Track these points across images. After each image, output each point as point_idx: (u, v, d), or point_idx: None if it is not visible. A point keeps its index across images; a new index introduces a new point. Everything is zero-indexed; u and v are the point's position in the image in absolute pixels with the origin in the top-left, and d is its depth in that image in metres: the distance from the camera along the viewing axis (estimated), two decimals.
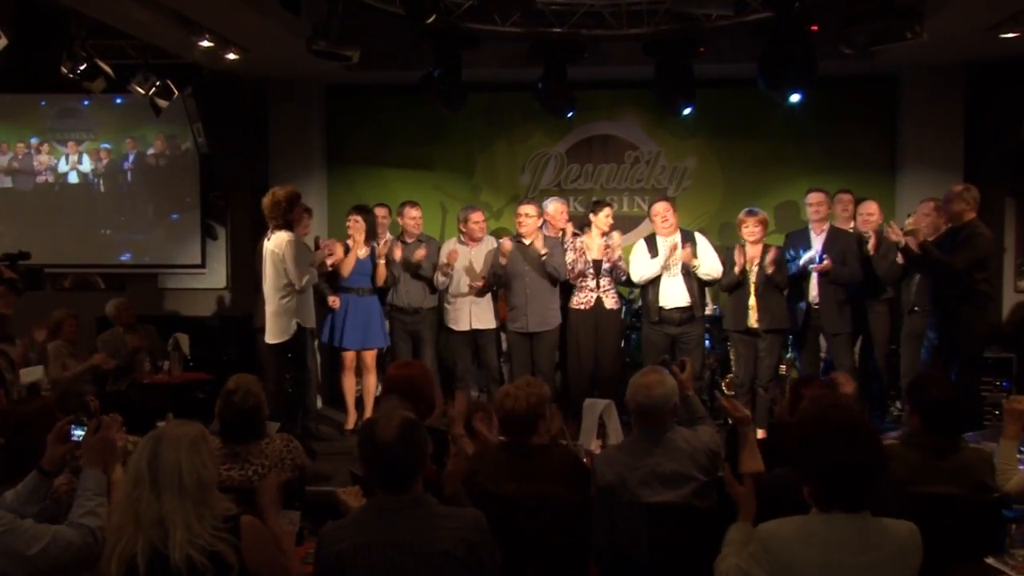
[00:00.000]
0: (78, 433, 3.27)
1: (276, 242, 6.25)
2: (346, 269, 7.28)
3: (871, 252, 6.93)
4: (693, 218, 8.56)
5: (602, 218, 7.29)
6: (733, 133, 8.76)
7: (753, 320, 6.93)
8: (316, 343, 7.24)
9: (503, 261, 7.19)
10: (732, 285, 6.99)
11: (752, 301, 6.93)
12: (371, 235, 7.46)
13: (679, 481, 3.65)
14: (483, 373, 7.71)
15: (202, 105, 8.18)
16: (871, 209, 7.30)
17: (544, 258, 7.12)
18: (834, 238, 7.03)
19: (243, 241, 9.16)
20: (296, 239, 6.28)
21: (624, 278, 7.29)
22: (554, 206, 7.62)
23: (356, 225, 7.38)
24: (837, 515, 2.53)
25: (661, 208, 7.19)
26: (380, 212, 7.80)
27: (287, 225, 6.28)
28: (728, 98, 8.58)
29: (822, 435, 2.56)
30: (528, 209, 7.41)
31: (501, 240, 7.30)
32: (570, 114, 7.83)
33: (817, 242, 7.05)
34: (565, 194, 8.77)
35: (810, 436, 2.59)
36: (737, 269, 6.87)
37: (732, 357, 7.32)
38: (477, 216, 7.60)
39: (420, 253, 7.44)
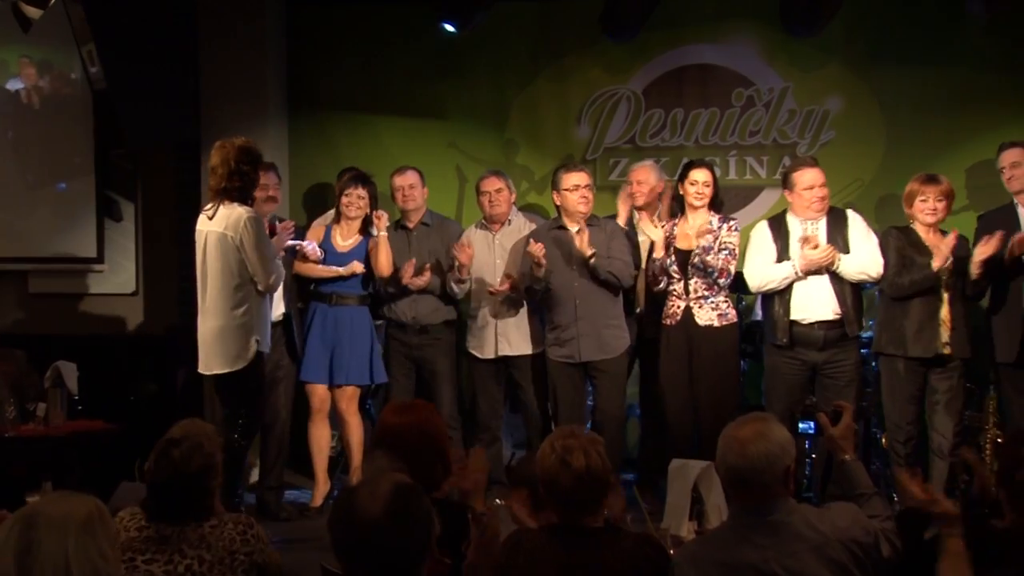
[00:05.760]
0: None
1: (230, 222, 6.30)
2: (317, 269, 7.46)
3: None
4: (838, 188, 8.28)
5: (690, 189, 7.25)
6: (899, 58, 8.57)
7: (944, 340, 6.82)
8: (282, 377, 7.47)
9: (538, 272, 7.19)
10: (923, 286, 6.82)
11: (944, 313, 6.80)
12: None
13: None
14: (521, 419, 7.85)
15: (96, 17, 8.08)
16: None
17: (592, 262, 7.12)
18: None
19: (161, 223, 9.15)
20: (257, 217, 6.38)
21: (723, 280, 7.21)
22: (643, 174, 7.69)
23: (361, 203, 7.61)
24: None
25: (814, 178, 7.00)
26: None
27: (243, 195, 6.33)
28: (891, 4, 8.50)
29: None
30: (577, 178, 7.36)
31: (530, 247, 7.23)
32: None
33: None
34: (642, 153, 8.72)
35: None
36: (937, 262, 6.72)
37: (887, 397, 7.19)
38: (491, 183, 7.71)
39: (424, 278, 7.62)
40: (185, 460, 3.86)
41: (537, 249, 7.10)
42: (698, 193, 7.18)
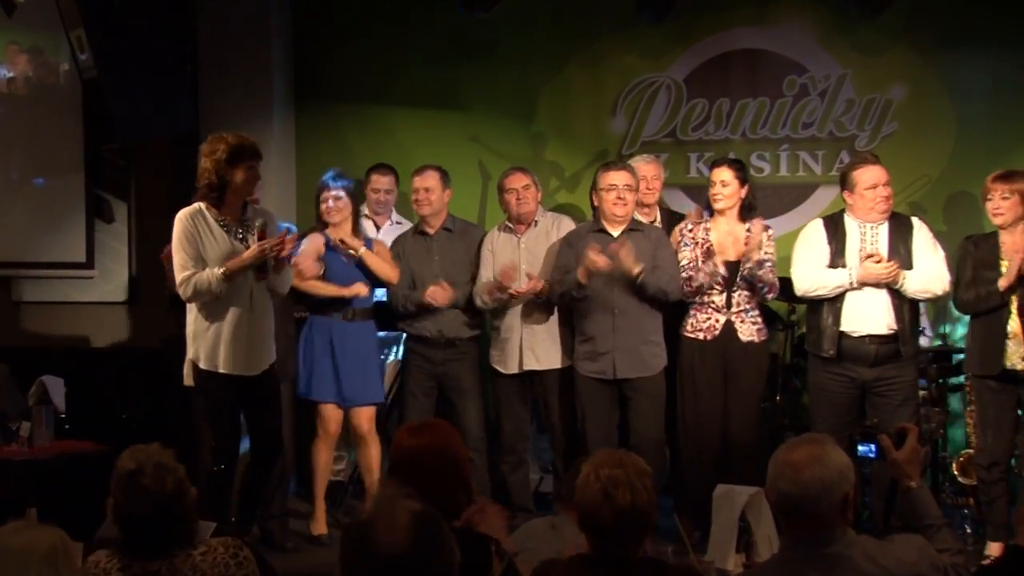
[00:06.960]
0: None
1: None
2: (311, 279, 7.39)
3: None
4: (902, 186, 8.29)
5: (710, 189, 7.28)
6: (970, 41, 8.57)
7: (1018, 357, 6.72)
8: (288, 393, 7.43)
9: (583, 278, 7.14)
10: (988, 304, 6.76)
11: (1014, 326, 6.72)
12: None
13: None
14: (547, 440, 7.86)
15: (86, 1, 8.14)
16: None
17: (640, 280, 7.10)
18: None
19: (156, 225, 8.82)
20: (187, 216, 6.36)
21: (772, 295, 7.28)
22: (655, 169, 7.79)
23: (340, 204, 7.48)
24: None
25: (877, 176, 6.92)
26: (379, 181, 8.08)
27: (212, 192, 6.35)
28: None
29: None
30: (615, 177, 7.32)
31: (590, 254, 7.12)
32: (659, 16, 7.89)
33: None
34: (684, 148, 8.80)
35: None
36: (1005, 281, 6.64)
37: (970, 420, 7.19)
38: (518, 179, 7.67)
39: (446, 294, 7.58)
40: (158, 485, 3.78)
41: (602, 261, 7.01)
42: (716, 195, 7.18)
